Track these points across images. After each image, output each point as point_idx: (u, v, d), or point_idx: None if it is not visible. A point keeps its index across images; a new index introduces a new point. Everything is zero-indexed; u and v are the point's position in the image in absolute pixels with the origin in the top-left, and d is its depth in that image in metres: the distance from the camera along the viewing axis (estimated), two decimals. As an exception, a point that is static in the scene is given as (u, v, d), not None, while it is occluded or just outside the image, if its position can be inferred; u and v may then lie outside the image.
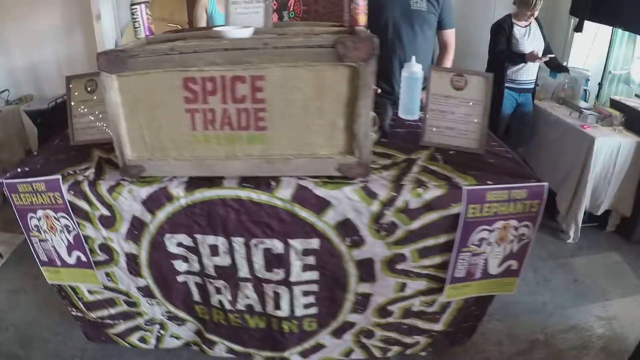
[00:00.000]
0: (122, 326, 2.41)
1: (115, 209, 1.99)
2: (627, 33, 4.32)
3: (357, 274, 2.00)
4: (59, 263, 2.23)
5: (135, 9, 2.04)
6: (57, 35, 5.69)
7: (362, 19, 2.07)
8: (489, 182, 1.82)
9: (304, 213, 1.86)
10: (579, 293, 3.02)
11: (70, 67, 5.64)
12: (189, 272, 2.13)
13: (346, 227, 1.87)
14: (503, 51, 4.06)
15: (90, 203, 2.00)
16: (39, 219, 2.13)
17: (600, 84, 4.53)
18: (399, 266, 1.97)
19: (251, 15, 2.07)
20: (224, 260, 2.04)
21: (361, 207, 1.81)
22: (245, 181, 1.88)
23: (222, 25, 2.12)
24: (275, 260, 1.99)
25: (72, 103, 2.42)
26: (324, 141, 1.80)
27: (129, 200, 1.96)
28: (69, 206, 2.02)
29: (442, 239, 1.89)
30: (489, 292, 2.12)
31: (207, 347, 2.37)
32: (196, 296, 2.21)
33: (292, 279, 2.03)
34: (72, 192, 2.00)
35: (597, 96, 4.55)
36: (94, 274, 2.20)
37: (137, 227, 2.02)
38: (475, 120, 2.07)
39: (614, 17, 4.11)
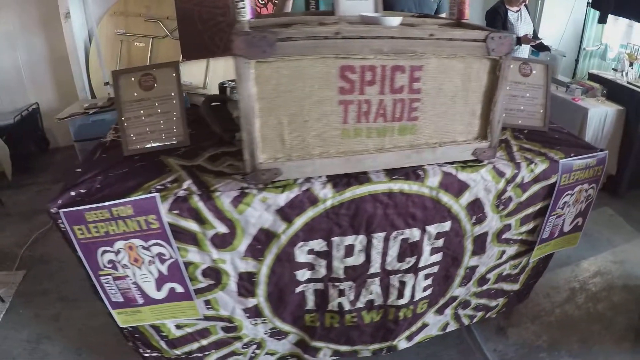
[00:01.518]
0: (213, 356, 1.93)
1: (238, 224, 1.58)
2: (597, 14, 4.68)
3: (472, 248, 1.93)
4: (141, 301, 1.69)
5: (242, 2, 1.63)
6: (13, 40, 4.48)
7: (468, 12, 1.93)
8: (572, 155, 1.93)
9: (446, 198, 1.73)
10: (592, 244, 3.32)
11: (33, 74, 4.57)
12: (310, 280, 1.80)
13: (474, 206, 1.81)
14: None
15: (202, 222, 1.55)
16: (116, 253, 1.58)
17: (577, 60, 4.88)
18: (504, 235, 1.97)
19: (361, 2, 1.83)
20: (357, 259, 1.77)
21: (491, 186, 1.77)
22: (392, 173, 1.67)
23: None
24: (409, 250, 1.81)
25: (123, 104, 1.88)
26: (463, 128, 1.73)
27: (260, 211, 1.57)
28: (168, 230, 1.56)
29: (538, 206, 1.95)
30: (560, 247, 2.21)
31: (309, 355, 2.02)
32: (310, 304, 1.88)
33: (420, 264, 1.87)
34: (176, 212, 1.53)
35: (575, 71, 4.88)
36: (193, 305, 1.72)
37: (262, 241, 1.63)
38: (540, 102, 2.19)
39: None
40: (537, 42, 4.09)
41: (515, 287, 2.27)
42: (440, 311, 2.14)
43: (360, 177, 1.64)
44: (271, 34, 1.36)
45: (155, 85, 1.86)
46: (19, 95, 4.59)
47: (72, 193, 1.58)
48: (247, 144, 1.49)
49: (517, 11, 4.18)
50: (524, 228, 2.00)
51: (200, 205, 1.54)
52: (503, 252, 2.04)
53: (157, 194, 1.51)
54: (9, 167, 3.84)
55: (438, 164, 1.74)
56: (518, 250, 2.09)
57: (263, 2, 3.88)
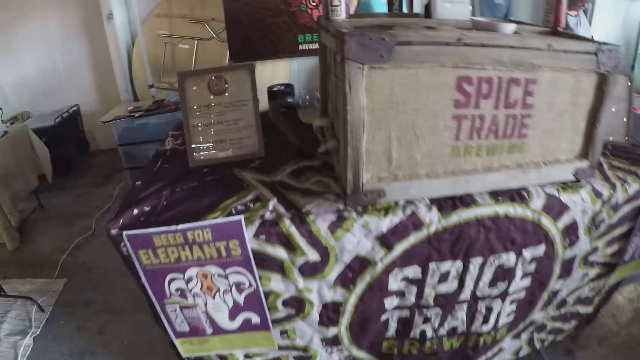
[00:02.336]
0: (284, 384, 1.72)
1: (333, 251, 1.34)
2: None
3: (559, 272, 1.72)
4: (209, 331, 1.47)
5: None
6: (54, 41, 4.32)
7: (565, 20, 1.71)
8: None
9: (546, 221, 1.51)
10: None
11: (73, 76, 4.42)
12: (397, 308, 1.58)
13: (570, 229, 1.59)
14: None
15: (293, 248, 1.32)
16: (187, 281, 1.37)
17: (632, 67, 4.51)
18: (591, 258, 1.77)
19: (457, 6, 1.60)
20: (450, 285, 1.55)
21: (588, 207, 1.57)
22: (497, 195, 1.44)
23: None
24: (502, 275, 1.59)
25: (190, 110, 1.65)
26: (567, 146, 1.51)
27: (358, 237, 1.33)
28: (251, 257, 1.33)
29: (625, 227, 1.75)
30: (637, 269, 1.99)
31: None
32: (391, 332, 1.66)
33: (510, 290, 1.65)
34: (263, 237, 1.32)
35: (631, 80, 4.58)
36: (269, 336, 1.49)
37: (355, 270, 1.40)
38: (622, 115, 1.99)
39: None
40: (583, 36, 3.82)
41: (589, 309, 2.06)
42: (517, 336, 1.92)
43: (465, 200, 1.40)
44: (390, 36, 1.13)
45: (227, 89, 1.64)
46: (59, 97, 4.41)
47: (135, 211, 1.36)
48: (352, 162, 1.25)
49: (575, 15, 3.85)
50: (609, 250, 1.79)
51: (293, 230, 1.31)
52: (586, 274, 1.83)
53: (241, 217, 1.29)
54: (49, 170, 3.63)
55: (541, 184, 1.52)
56: (599, 272, 1.87)
57: (315, 3, 3.64)
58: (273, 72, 4.02)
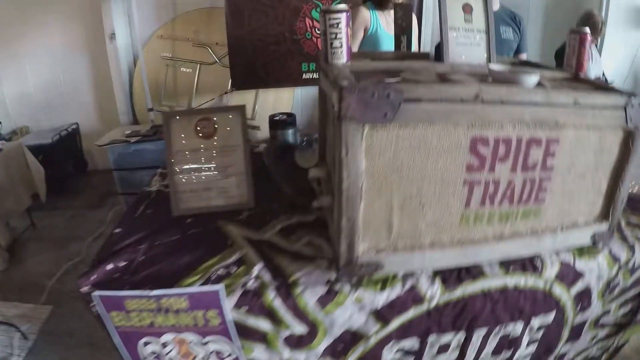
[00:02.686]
0: None
1: (321, 325, 1.16)
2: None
3: (567, 336, 1.55)
4: None
5: (337, 19, 1.19)
6: (56, 58, 4.19)
7: (587, 65, 1.57)
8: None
9: (558, 290, 1.34)
10: None
11: (74, 94, 4.28)
12: None
13: (582, 295, 1.43)
14: None
15: (277, 322, 1.15)
16: (163, 345, 1.19)
17: None
18: (602, 320, 1.62)
19: (471, 51, 1.43)
20: (450, 357, 1.37)
21: (604, 272, 1.41)
22: (507, 264, 1.27)
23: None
24: (506, 344, 1.42)
25: (175, 154, 1.49)
26: (586, 208, 1.35)
27: (351, 311, 1.15)
28: (232, 328, 1.14)
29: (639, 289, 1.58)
30: None
31: None
32: None
33: (515, 357, 1.49)
34: (245, 308, 1.14)
35: None
36: None
37: (346, 342, 1.22)
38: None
39: None
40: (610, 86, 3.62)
41: (597, 367, 1.84)
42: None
43: (472, 270, 1.23)
44: (396, 92, 0.96)
45: (216, 132, 1.48)
46: (59, 113, 4.28)
47: (110, 266, 1.21)
48: (347, 233, 1.08)
49: None
50: (621, 311, 1.63)
51: (277, 303, 1.13)
52: (595, 336, 1.66)
53: (220, 287, 1.11)
54: (43, 189, 3.47)
55: (556, 251, 1.36)
56: (608, 332, 1.70)
57: (320, 31, 3.50)
58: (276, 100, 3.88)
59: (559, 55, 3.65)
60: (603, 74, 3.72)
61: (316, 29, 3.59)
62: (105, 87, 4.17)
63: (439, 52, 1.43)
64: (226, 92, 3.74)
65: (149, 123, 3.73)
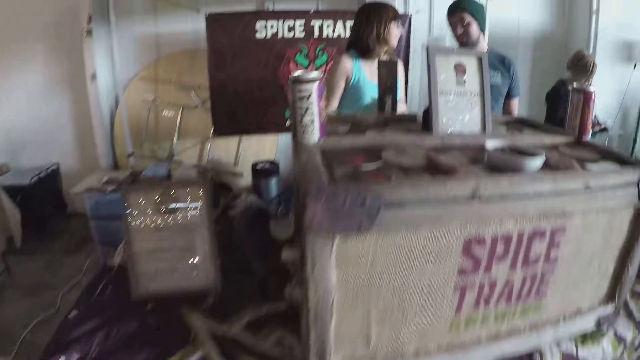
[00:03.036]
0: None
1: None
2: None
3: None
4: None
5: (307, 91, 1.03)
6: (37, 96, 3.97)
7: (590, 127, 1.41)
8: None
9: (559, 381, 1.12)
10: None
11: (55, 134, 4.04)
12: None
13: None
14: (563, 119, 3.48)
15: None
16: None
17: (634, 140, 4.25)
18: None
19: (465, 114, 1.27)
20: None
21: (609, 356, 1.25)
22: (505, 365, 1.05)
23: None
24: None
25: (132, 232, 1.29)
26: (590, 293, 1.18)
27: None
28: None
29: None
30: None
31: None
32: None
33: None
34: None
35: (632, 151, 4.24)
36: None
37: None
38: None
39: None
40: (602, 126, 3.47)
41: None
42: None
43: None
44: (374, 198, 0.77)
45: (178, 208, 1.29)
46: (40, 152, 4.06)
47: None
48: (316, 349, 0.88)
49: None
50: None
51: None
52: None
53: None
54: (18, 233, 3.24)
55: (557, 341, 1.18)
56: None
57: (307, 64, 3.36)
58: (259, 146, 3.71)
59: (550, 98, 3.53)
60: (595, 116, 3.57)
61: (301, 64, 3.45)
62: (86, 128, 3.98)
63: (428, 117, 1.26)
64: (208, 138, 3.56)
65: (129, 168, 3.53)
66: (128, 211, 1.28)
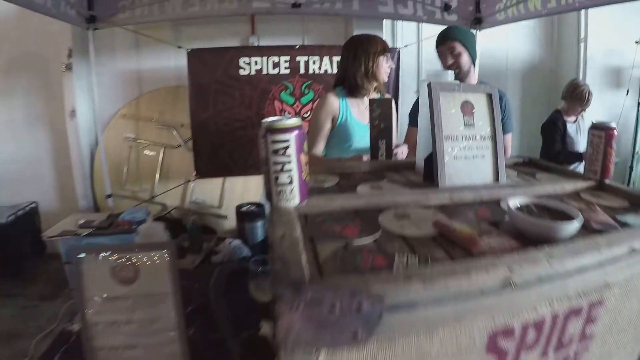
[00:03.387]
0: None
1: None
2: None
3: None
4: None
5: (285, 143, 0.85)
6: (16, 132, 3.73)
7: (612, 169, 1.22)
8: None
9: None
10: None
11: (34, 171, 3.77)
12: None
13: None
14: (560, 152, 3.27)
15: None
16: None
17: (631, 167, 4.15)
18: None
19: (474, 162, 1.06)
20: None
21: None
22: None
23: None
24: None
25: (87, 301, 1.06)
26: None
27: None
28: None
29: None
30: None
31: None
32: None
33: None
34: None
35: (630, 179, 4.14)
36: None
37: None
38: None
39: None
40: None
41: None
42: None
43: None
44: (374, 301, 0.55)
45: (139, 277, 1.06)
46: (19, 190, 3.80)
47: None
48: None
49: (574, 122, 3.34)
50: None
51: None
52: None
53: None
54: (-7, 278, 2.98)
55: None
56: None
57: (290, 114, 3.16)
58: (244, 188, 3.49)
59: (547, 130, 3.35)
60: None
61: (286, 113, 3.24)
62: (66, 166, 3.76)
63: (430, 167, 1.05)
64: (189, 180, 3.34)
65: (109, 210, 3.29)
66: (81, 279, 1.06)
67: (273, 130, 0.84)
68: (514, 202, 0.86)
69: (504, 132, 2.44)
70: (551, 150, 3.28)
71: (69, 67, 3.42)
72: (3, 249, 3.21)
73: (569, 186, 1.11)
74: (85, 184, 3.59)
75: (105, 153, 3.36)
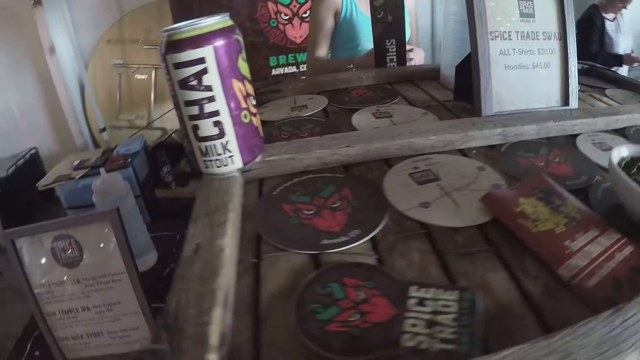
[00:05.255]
0: None
1: None
2: None
3: None
4: None
5: (199, 65, 0.56)
6: (3, 81, 3.52)
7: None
8: None
9: None
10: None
11: (28, 118, 3.63)
12: None
13: None
14: (598, 53, 2.84)
15: None
16: None
17: None
18: None
19: (535, 72, 0.75)
20: None
21: None
22: None
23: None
24: None
25: (38, 292, 0.89)
26: None
27: None
28: None
29: None
30: None
31: None
32: None
33: None
34: None
35: None
36: None
37: None
38: None
39: None
40: None
41: None
42: None
43: None
44: None
45: (83, 257, 0.86)
46: (16, 139, 3.66)
47: None
48: None
49: (613, 19, 2.86)
50: None
51: None
52: None
53: None
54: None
55: None
56: None
57: (287, 16, 2.81)
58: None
59: (581, 28, 2.87)
60: (632, 51, 2.97)
61: (282, 14, 2.87)
62: (57, 107, 3.53)
63: (465, 76, 0.77)
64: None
65: (106, 144, 3.11)
66: (23, 267, 0.86)
67: (174, 45, 0.55)
68: (619, 153, 0.55)
69: None
70: (588, 52, 2.82)
71: (37, 2, 3.09)
72: (10, 201, 3.12)
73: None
74: (78, 121, 3.37)
75: (95, 83, 3.10)
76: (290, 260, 0.50)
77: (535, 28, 0.76)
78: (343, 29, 1.76)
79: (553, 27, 0.77)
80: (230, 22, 0.60)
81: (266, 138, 0.81)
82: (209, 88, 0.55)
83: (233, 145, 0.60)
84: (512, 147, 0.75)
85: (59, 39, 3.17)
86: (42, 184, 2.64)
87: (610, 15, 2.84)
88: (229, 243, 0.51)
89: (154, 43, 3.19)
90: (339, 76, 1.12)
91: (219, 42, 0.55)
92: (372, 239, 0.54)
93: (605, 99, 1.01)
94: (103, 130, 3.04)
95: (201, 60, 0.54)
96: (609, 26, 2.83)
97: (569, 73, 0.77)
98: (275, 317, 0.42)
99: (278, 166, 0.67)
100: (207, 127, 0.57)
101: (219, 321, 0.38)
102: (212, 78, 0.54)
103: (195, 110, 0.55)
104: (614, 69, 2.72)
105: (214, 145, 0.59)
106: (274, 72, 2.87)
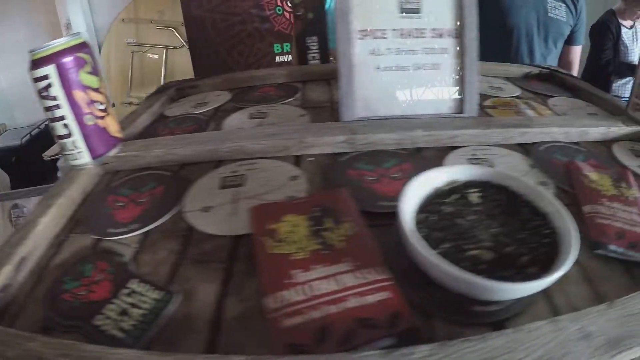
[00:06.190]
0: None
1: None
2: None
3: None
4: None
5: (44, 78, 0.70)
6: (22, 52, 3.79)
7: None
8: None
9: None
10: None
11: None
12: None
13: None
14: (611, 61, 2.73)
15: None
16: None
17: None
18: None
19: (419, 77, 0.73)
20: None
21: None
22: None
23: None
24: None
25: None
26: None
27: None
28: None
29: None
30: None
31: None
32: None
33: None
34: None
35: None
36: None
37: None
38: None
39: None
40: None
41: None
42: None
43: None
44: None
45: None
46: (35, 110, 3.82)
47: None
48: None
49: (631, 27, 2.69)
50: None
51: None
52: None
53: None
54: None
55: None
56: None
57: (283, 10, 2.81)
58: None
59: (596, 33, 2.74)
60: None
61: (288, 2, 2.87)
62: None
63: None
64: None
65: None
66: None
67: (32, 63, 0.69)
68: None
69: (574, 42, 1.91)
70: (599, 58, 2.65)
71: (56, -24, 3.21)
72: (24, 169, 3.22)
73: (596, 131, 0.72)
74: (89, 96, 3.49)
75: (109, 61, 3.21)
76: (80, 242, 0.59)
77: (421, 25, 0.71)
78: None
79: (446, 23, 0.71)
80: (79, 41, 0.71)
81: (150, 133, 0.86)
82: (55, 98, 0.68)
83: (80, 143, 0.72)
84: (356, 157, 0.69)
85: (75, 15, 3.30)
86: (48, 154, 2.74)
87: (627, 23, 2.69)
88: (46, 221, 0.59)
89: (167, 24, 3.26)
90: (255, 73, 1.15)
91: (62, 61, 0.68)
92: (146, 233, 0.59)
93: (542, 107, 0.93)
94: (112, 106, 3.13)
95: (46, 77, 0.67)
96: (625, 34, 2.67)
97: (465, 76, 0.70)
98: (50, 281, 0.52)
99: (126, 162, 0.72)
100: (59, 128, 0.70)
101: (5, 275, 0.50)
102: (56, 90, 0.68)
103: (50, 114, 0.69)
104: (625, 79, 2.62)
105: (66, 143, 0.72)
106: (277, 59, 2.88)
